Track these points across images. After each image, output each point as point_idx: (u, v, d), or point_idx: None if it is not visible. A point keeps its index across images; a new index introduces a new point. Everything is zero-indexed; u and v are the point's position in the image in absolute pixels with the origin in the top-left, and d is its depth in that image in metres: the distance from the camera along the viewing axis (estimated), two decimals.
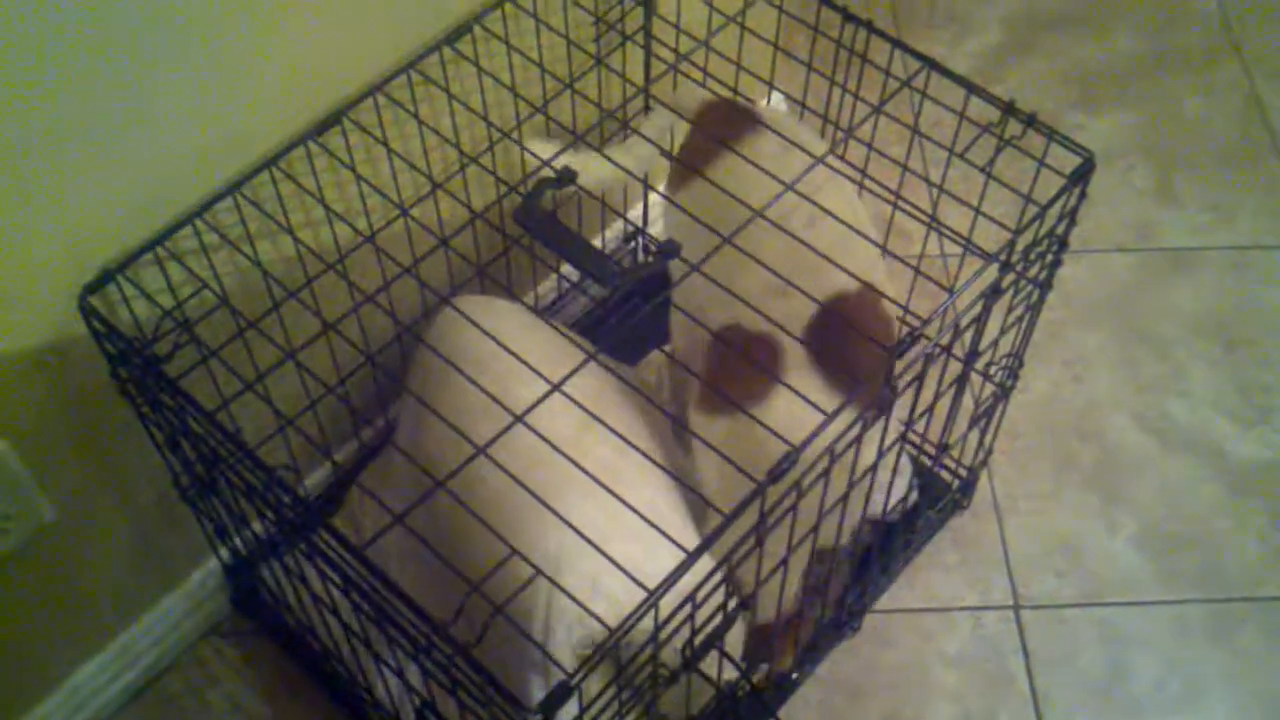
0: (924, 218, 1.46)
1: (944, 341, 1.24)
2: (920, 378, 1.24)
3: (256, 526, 1.39)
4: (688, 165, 1.45)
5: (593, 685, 1.08)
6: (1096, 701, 1.60)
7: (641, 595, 1.01)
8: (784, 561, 1.26)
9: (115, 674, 1.56)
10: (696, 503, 1.40)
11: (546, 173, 1.35)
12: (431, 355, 1.41)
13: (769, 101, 1.63)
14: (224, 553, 1.56)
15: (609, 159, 1.45)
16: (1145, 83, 2.26)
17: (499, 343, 1.24)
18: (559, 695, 0.97)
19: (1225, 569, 1.71)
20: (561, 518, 1.14)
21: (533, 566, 1.08)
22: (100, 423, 1.35)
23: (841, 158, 1.50)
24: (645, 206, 1.85)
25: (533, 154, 1.36)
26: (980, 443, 1.66)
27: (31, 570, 1.38)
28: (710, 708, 1.42)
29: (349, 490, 1.64)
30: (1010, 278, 1.30)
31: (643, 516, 1.11)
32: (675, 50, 1.52)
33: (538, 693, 1.26)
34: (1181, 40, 2.32)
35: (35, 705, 1.50)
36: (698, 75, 1.54)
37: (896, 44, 1.39)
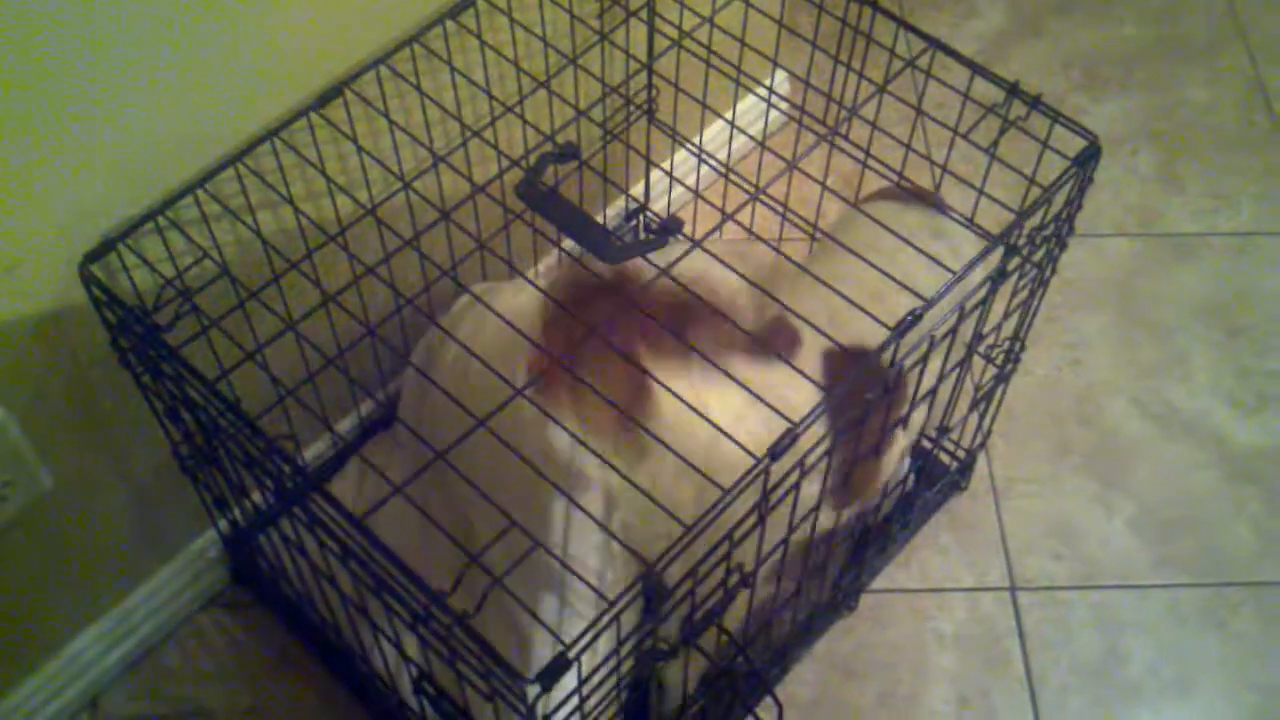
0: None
1: (949, 324, 1.24)
2: (924, 359, 1.24)
3: (255, 497, 1.40)
4: None
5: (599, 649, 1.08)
6: (1091, 684, 1.60)
7: None
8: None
9: (113, 643, 1.56)
10: None
11: (549, 148, 1.35)
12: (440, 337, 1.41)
13: (772, 82, 1.62)
14: (223, 524, 1.56)
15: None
16: (1149, 68, 2.25)
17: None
18: (558, 666, 0.97)
19: (1222, 554, 1.71)
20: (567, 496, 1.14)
21: (531, 538, 1.09)
22: (100, 392, 1.35)
23: (846, 137, 1.50)
24: (646, 184, 1.85)
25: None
26: (979, 425, 1.66)
27: (30, 538, 1.38)
28: (708, 685, 1.43)
29: (348, 461, 1.64)
30: (1015, 261, 1.30)
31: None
32: (679, 27, 1.51)
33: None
34: (1186, 26, 2.31)
35: (32, 673, 1.50)
36: (702, 52, 1.53)
37: (901, 23, 1.39)
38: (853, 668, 1.62)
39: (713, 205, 1.35)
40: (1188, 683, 1.61)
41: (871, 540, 1.62)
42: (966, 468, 1.74)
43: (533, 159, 1.30)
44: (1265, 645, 1.63)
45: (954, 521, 1.74)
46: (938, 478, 1.70)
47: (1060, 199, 1.31)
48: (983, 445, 1.72)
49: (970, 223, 1.41)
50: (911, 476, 1.65)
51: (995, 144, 1.33)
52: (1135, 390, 1.86)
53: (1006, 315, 1.42)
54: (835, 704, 1.59)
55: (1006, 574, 1.69)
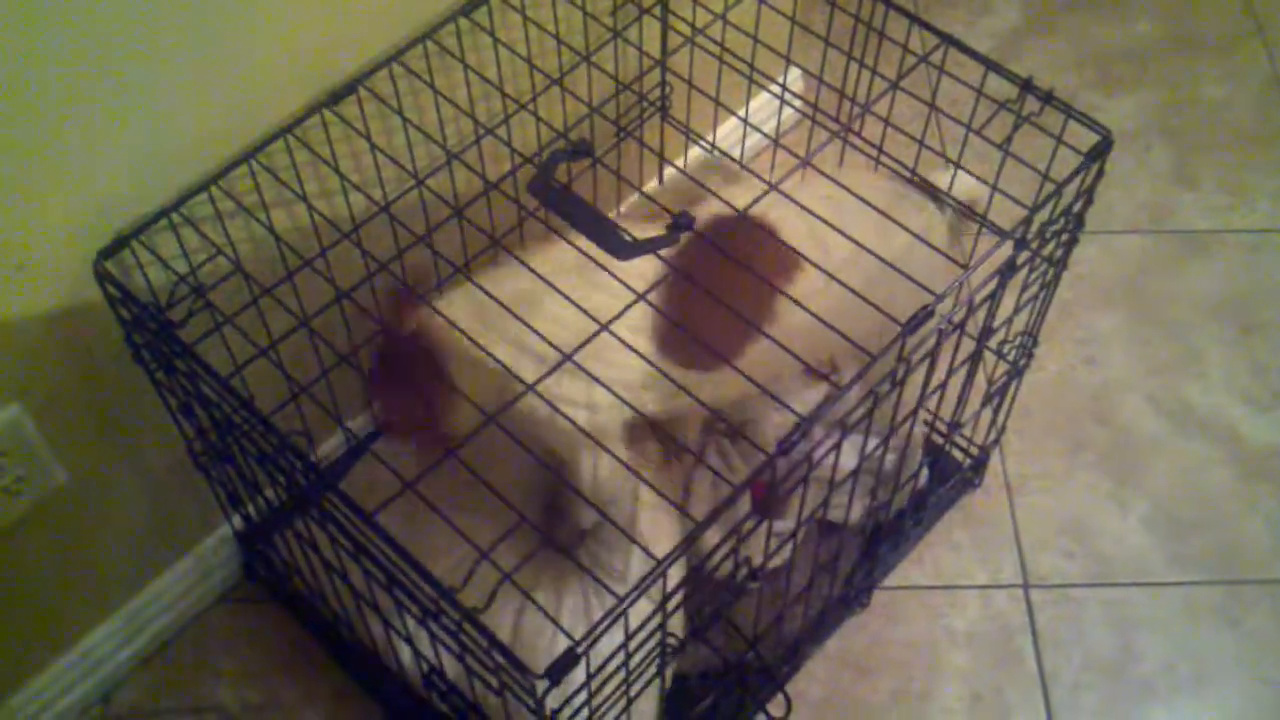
0: (941, 194, 1.45)
1: (958, 318, 1.24)
2: (934, 354, 1.24)
3: (268, 493, 1.40)
4: None
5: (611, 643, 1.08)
6: (1104, 682, 1.60)
7: None
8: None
9: (126, 639, 1.57)
10: None
11: (561, 145, 1.35)
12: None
13: (785, 79, 1.62)
14: (236, 520, 1.57)
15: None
16: (1165, 65, 2.24)
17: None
18: (566, 661, 0.97)
19: (1236, 552, 1.70)
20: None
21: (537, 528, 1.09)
22: (114, 388, 1.36)
23: (859, 134, 1.50)
24: (660, 180, 1.85)
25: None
26: (993, 421, 1.65)
27: (44, 533, 1.39)
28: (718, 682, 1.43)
29: (361, 457, 1.64)
30: (1025, 255, 1.30)
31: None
32: (692, 24, 1.51)
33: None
34: (1202, 23, 2.30)
35: (46, 668, 1.51)
36: (715, 49, 1.53)
37: (914, 20, 1.39)
38: (865, 664, 1.61)
39: (725, 202, 1.34)
40: (1201, 680, 1.60)
41: (884, 536, 1.62)
42: (980, 464, 1.73)
43: (546, 156, 1.30)
44: (1279, 643, 1.62)
45: (968, 518, 1.74)
46: (951, 474, 1.70)
47: (1070, 193, 1.30)
48: (996, 442, 1.72)
49: (984, 219, 1.41)
50: (925, 472, 1.64)
51: (1009, 140, 1.33)
52: (1149, 387, 1.86)
53: (1017, 310, 1.42)
54: (847, 701, 1.59)
55: (1020, 571, 1.69)
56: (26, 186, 1.15)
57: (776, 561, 1.54)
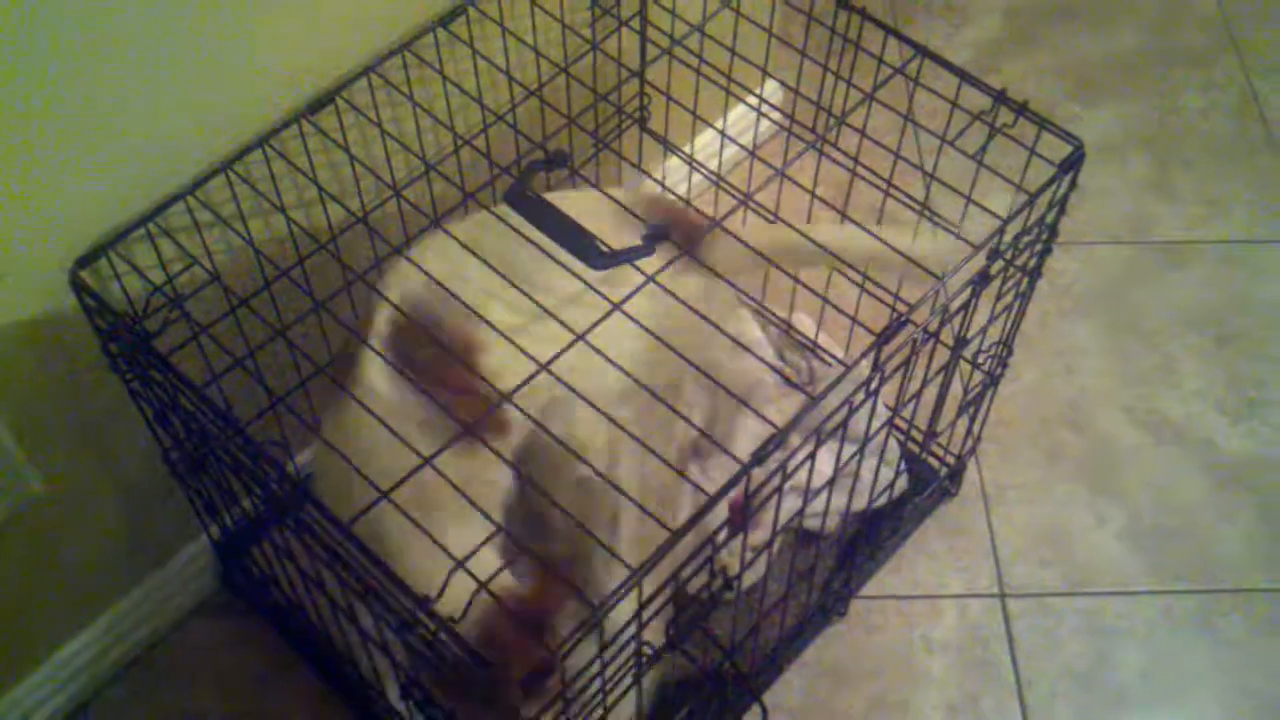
0: (916, 206, 1.46)
1: (932, 327, 1.25)
2: (908, 363, 1.25)
3: (246, 504, 1.40)
4: None
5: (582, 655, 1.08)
6: (1080, 691, 1.61)
7: None
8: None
9: (103, 649, 1.57)
10: None
11: (539, 155, 1.35)
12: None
13: (762, 91, 1.63)
14: (213, 529, 1.57)
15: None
16: (1143, 77, 2.26)
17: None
18: (540, 671, 0.97)
19: (1212, 561, 1.71)
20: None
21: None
22: (90, 397, 1.36)
23: (835, 145, 1.50)
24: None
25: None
26: (969, 430, 1.66)
27: (19, 542, 1.39)
28: (694, 690, 1.43)
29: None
30: (999, 265, 1.30)
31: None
32: (670, 35, 1.52)
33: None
34: (1181, 36, 2.32)
35: (22, 679, 1.51)
36: (693, 61, 1.54)
37: (890, 31, 1.39)
38: (842, 674, 1.62)
39: (703, 214, 1.35)
40: (1177, 689, 1.61)
41: (861, 545, 1.62)
42: (957, 474, 1.74)
43: (523, 166, 1.30)
44: (1255, 651, 1.63)
45: (944, 527, 1.74)
46: (928, 483, 1.71)
47: (1044, 204, 1.31)
48: (973, 451, 1.73)
49: (959, 230, 1.42)
50: (901, 480, 1.65)
51: (982, 150, 1.34)
52: (1126, 397, 1.87)
53: (991, 320, 1.43)
54: (824, 710, 1.59)
55: (996, 580, 1.70)
56: (3, 195, 1.15)
57: (752, 578, 1.54)
